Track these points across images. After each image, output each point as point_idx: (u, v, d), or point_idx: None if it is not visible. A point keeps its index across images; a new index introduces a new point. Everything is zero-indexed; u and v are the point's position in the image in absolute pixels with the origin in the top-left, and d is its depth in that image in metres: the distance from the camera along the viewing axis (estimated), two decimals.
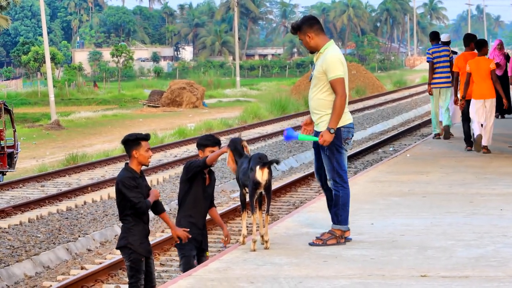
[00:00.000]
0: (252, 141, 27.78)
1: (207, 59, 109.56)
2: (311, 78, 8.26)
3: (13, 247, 13.49)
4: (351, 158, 21.61)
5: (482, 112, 15.20)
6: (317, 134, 8.17)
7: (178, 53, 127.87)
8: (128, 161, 7.91)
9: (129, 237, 7.83)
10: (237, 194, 17.31)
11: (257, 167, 7.72)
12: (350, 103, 44.68)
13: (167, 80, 74.57)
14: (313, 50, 8.20)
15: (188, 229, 8.04)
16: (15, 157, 24.17)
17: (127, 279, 8.09)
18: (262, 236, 8.02)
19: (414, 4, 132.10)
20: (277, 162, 7.94)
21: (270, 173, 7.79)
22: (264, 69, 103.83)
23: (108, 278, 11.32)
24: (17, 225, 15.09)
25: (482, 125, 15.24)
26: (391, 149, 23.29)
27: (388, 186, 11.98)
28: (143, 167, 7.95)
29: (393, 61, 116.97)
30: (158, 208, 7.99)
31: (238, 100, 55.03)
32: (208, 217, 8.37)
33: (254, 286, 6.87)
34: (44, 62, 52.08)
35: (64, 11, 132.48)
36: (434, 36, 18.00)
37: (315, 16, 8.47)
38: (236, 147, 8.07)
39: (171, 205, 16.46)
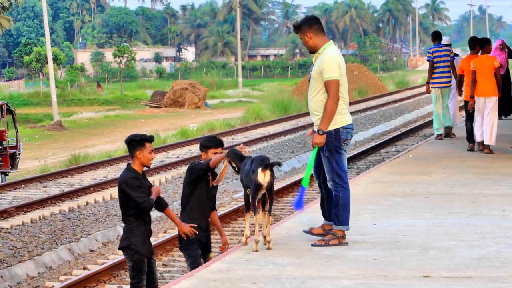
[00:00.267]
0: (254, 141, 27.78)
1: (209, 60, 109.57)
2: (309, 79, 8.27)
3: (16, 247, 13.50)
4: (353, 158, 21.61)
5: (484, 109, 15.27)
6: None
7: (180, 53, 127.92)
8: (130, 162, 7.92)
9: (132, 238, 7.83)
10: (240, 194, 17.32)
11: (259, 169, 7.73)
12: (352, 103, 44.67)
13: (169, 81, 74.64)
14: (313, 51, 8.20)
15: (196, 225, 8.04)
16: (18, 157, 24.20)
17: (129, 280, 8.09)
18: (264, 237, 8.02)
19: (416, 4, 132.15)
20: (279, 164, 7.94)
21: (272, 175, 7.80)
22: (266, 70, 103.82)
23: (111, 279, 11.32)
24: (19, 225, 15.10)
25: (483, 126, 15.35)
26: (393, 149, 23.28)
27: (391, 187, 11.98)
28: (144, 169, 7.95)
29: (395, 62, 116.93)
30: (160, 204, 7.99)
31: (240, 101, 55.05)
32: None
33: (257, 286, 6.87)
34: (46, 63, 52.10)
35: (66, 11, 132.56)
36: (436, 36, 18.01)
37: (316, 17, 8.46)
38: (236, 153, 8.07)
39: (173, 206, 16.45)
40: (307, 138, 27.54)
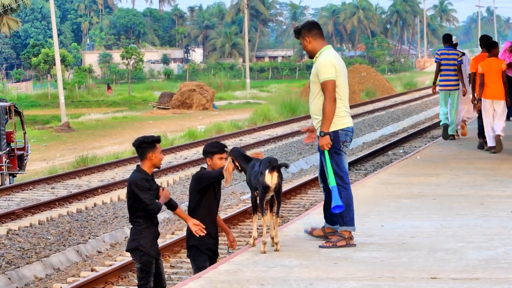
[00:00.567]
0: (262, 143, 27.78)
1: (217, 61, 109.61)
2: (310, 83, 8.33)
3: (24, 249, 13.51)
4: (361, 160, 21.60)
5: (490, 110, 15.31)
6: (318, 137, 8.23)
7: (188, 55, 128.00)
8: (139, 163, 7.91)
9: (140, 239, 7.84)
10: (247, 196, 17.32)
11: (267, 171, 7.73)
12: (360, 105, 44.66)
13: (177, 82, 74.66)
14: (312, 55, 8.26)
15: (204, 227, 8.02)
16: (25, 159, 24.25)
17: (137, 281, 8.10)
18: (272, 238, 8.02)
19: (424, 6, 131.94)
20: (286, 166, 7.94)
21: (280, 176, 7.79)
22: (274, 71, 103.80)
23: (118, 280, 11.33)
24: (27, 227, 15.12)
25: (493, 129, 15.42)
26: (401, 151, 23.26)
27: (398, 188, 11.97)
28: (154, 170, 7.97)
29: (403, 63, 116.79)
30: (171, 205, 8.00)
31: (248, 102, 55.06)
32: None
33: None
34: (54, 64, 52.22)
35: (74, 13, 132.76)
36: (447, 39, 18.09)
37: (316, 22, 8.49)
38: (241, 153, 8.07)
39: (181, 207, 16.44)
40: (315, 140, 27.51)
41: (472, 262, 7.54)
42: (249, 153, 8.27)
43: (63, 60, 66.65)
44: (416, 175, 13.31)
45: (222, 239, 13.22)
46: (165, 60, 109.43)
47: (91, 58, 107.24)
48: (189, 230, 8.17)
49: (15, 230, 14.85)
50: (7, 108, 23.77)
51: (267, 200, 7.86)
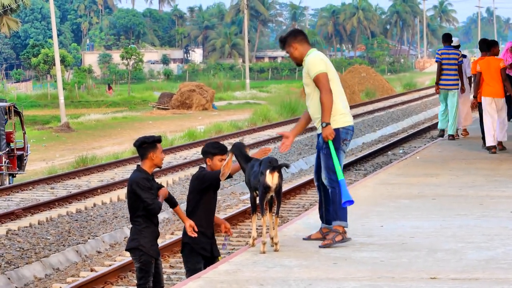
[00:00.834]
0: (261, 143, 27.78)
1: (217, 62, 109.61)
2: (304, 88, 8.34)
3: (23, 249, 13.51)
4: (361, 160, 21.60)
5: (492, 109, 15.38)
6: (318, 135, 8.25)
7: (188, 55, 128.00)
8: (139, 163, 7.91)
9: (141, 239, 7.85)
10: (247, 196, 17.31)
11: (267, 171, 7.73)
12: (359, 105, 44.67)
13: (177, 83, 74.65)
14: (299, 62, 8.28)
15: (197, 231, 8.03)
16: (25, 159, 24.24)
17: (136, 281, 8.10)
18: (272, 238, 8.02)
19: (424, 6, 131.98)
20: (287, 166, 7.94)
21: (280, 176, 7.80)
22: (274, 72, 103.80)
23: (118, 280, 11.33)
24: (26, 227, 15.11)
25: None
26: (401, 151, 23.26)
27: (398, 189, 11.97)
28: (155, 169, 7.98)
29: (402, 64, 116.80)
30: (171, 201, 8.02)
31: (247, 103, 55.06)
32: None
33: None
34: (54, 65, 52.22)
35: (74, 13, 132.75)
36: (447, 38, 18.12)
37: (300, 29, 8.60)
38: (242, 151, 8.07)
39: (180, 207, 16.44)
40: (314, 140, 27.52)
41: (472, 263, 7.53)
42: (254, 151, 8.24)
43: (62, 61, 66.65)
44: (415, 175, 13.30)
45: (221, 239, 13.23)
46: (165, 60, 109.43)
47: (90, 59, 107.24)
48: (185, 231, 8.17)
49: (14, 230, 14.85)
50: (7, 108, 23.77)
51: (266, 201, 7.86)
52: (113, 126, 40.27)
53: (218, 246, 8.43)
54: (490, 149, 15.65)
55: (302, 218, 9.83)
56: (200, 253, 8.11)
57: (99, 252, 13.53)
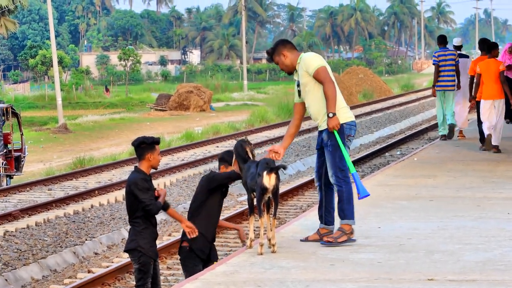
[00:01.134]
0: (259, 144, 27.77)
1: (215, 63, 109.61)
2: (299, 94, 8.27)
3: (20, 250, 13.50)
4: (359, 161, 21.60)
5: (492, 112, 15.44)
6: (320, 133, 8.25)
7: (186, 56, 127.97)
8: (136, 164, 7.92)
9: (139, 240, 7.85)
10: (244, 197, 17.31)
11: (265, 173, 7.73)
12: (357, 106, 44.67)
13: (175, 84, 74.66)
14: (290, 70, 8.27)
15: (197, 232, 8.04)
16: (23, 160, 24.23)
17: (134, 283, 8.10)
18: (269, 240, 8.02)
19: (421, 7, 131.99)
20: (284, 168, 7.96)
21: (277, 178, 7.80)
22: (272, 73, 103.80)
23: (115, 282, 11.32)
24: (24, 228, 15.10)
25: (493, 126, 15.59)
26: (398, 153, 23.26)
27: (396, 190, 11.97)
28: (152, 171, 7.99)
29: (400, 65, 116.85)
30: (164, 204, 8.02)
31: (245, 104, 55.06)
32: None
33: None
34: (52, 66, 52.18)
35: (72, 14, 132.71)
36: (442, 40, 18.13)
37: (286, 39, 8.62)
38: (239, 153, 8.07)
39: (178, 209, 16.46)
40: (312, 141, 27.52)
41: (469, 264, 7.53)
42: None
43: (60, 62, 66.55)
44: (413, 176, 13.30)
45: (219, 241, 13.21)
46: (163, 61, 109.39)
47: (88, 60, 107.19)
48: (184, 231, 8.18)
49: (12, 231, 14.84)
50: (4, 109, 23.75)
51: (264, 202, 7.87)
52: (110, 127, 40.25)
53: (218, 252, 8.48)
54: (493, 147, 15.71)
55: (300, 220, 9.83)
56: (197, 254, 8.12)
57: (96, 253, 13.52)
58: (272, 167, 7.75)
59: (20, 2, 51.19)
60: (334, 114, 8.04)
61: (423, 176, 13.25)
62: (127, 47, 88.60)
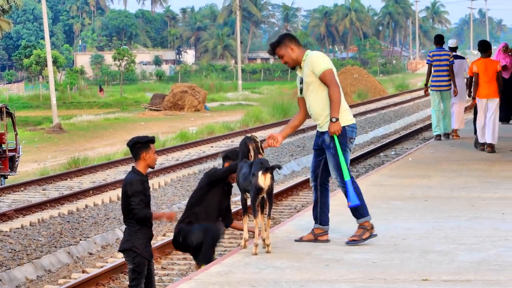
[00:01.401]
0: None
1: (209, 63, 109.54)
2: (301, 91, 8.26)
3: (15, 250, 13.47)
4: (353, 161, 21.57)
5: (484, 110, 15.58)
6: (321, 134, 8.23)
7: (180, 56, 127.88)
8: (133, 165, 7.91)
9: (135, 240, 7.82)
10: (238, 197, 17.29)
11: (259, 173, 7.72)
12: (352, 106, 44.62)
13: (169, 84, 74.60)
14: (294, 65, 8.24)
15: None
16: (17, 160, 24.18)
17: (128, 283, 8.08)
18: (263, 240, 8.01)
19: (416, 7, 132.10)
20: (279, 167, 7.96)
21: (272, 178, 7.80)
22: (266, 73, 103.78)
23: (110, 282, 11.29)
24: (18, 228, 15.07)
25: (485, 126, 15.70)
26: (393, 153, 23.25)
27: (390, 190, 11.96)
28: (148, 170, 7.98)
29: (395, 65, 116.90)
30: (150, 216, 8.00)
31: (240, 104, 55.03)
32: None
33: None
34: (46, 66, 52.07)
35: (66, 14, 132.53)
36: (439, 40, 18.16)
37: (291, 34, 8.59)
38: (241, 150, 8.07)
39: (172, 209, 16.43)
40: (307, 142, 27.51)
41: (464, 264, 7.52)
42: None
43: (55, 62, 66.50)
44: (408, 177, 13.29)
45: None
46: (157, 61, 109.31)
47: (83, 60, 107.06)
48: (180, 224, 8.24)
49: (6, 231, 14.80)
50: None
51: (258, 202, 7.86)
52: (105, 127, 40.19)
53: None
54: (480, 145, 15.83)
55: (294, 220, 9.81)
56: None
57: (90, 253, 13.49)
58: (267, 167, 7.75)
59: (14, 2, 51.10)
60: (337, 119, 8.03)
61: (417, 176, 13.25)
62: (121, 47, 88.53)
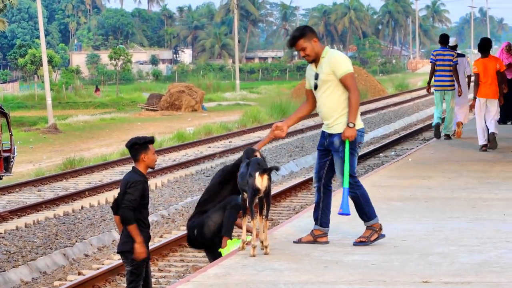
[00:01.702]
0: (251, 145, 27.67)
1: (207, 62, 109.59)
2: (315, 87, 8.14)
3: (9, 252, 13.40)
4: None
5: (483, 109, 15.65)
6: (329, 136, 8.14)
7: (177, 56, 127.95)
8: (133, 165, 7.83)
9: (133, 242, 7.74)
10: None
11: (257, 174, 7.65)
12: None
13: (166, 84, 74.55)
14: (313, 58, 8.12)
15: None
16: (12, 161, 24.02)
17: (124, 285, 8.01)
18: (261, 242, 7.93)
19: (416, 6, 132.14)
20: (277, 169, 7.91)
21: (269, 179, 7.73)
22: (264, 72, 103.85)
23: (106, 284, 11.22)
24: (13, 230, 14.99)
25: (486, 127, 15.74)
26: (392, 153, 23.20)
27: (390, 191, 11.89)
28: (149, 170, 7.91)
29: (394, 64, 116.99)
30: (131, 220, 7.82)
31: (237, 104, 54.99)
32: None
33: None
34: (41, 65, 52.05)
35: (62, 13, 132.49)
36: (443, 40, 18.20)
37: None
38: (248, 157, 8.08)
39: (169, 210, 16.36)
40: (305, 142, 27.45)
41: (464, 266, 7.47)
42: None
43: (50, 61, 66.45)
44: (408, 177, 13.23)
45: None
46: (154, 61, 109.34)
47: (78, 59, 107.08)
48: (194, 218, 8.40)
49: (1, 233, 14.77)
50: None
51: (256, 203, 7.79)
52: (101, 127, 40.09)
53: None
54: (482, 147, 15.85)
55: (293, 221, 9.76)
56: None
57: (86, 255, 13.41)
58: (265, 168, 7.67)
59: (9, 0, 51.03)
60: (354, 125, 7.99)
61: (417, 177, 13.19)
62: (117, 46, 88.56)
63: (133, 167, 7.84)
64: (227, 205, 8.52)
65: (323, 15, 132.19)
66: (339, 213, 8.12)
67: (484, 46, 16.09)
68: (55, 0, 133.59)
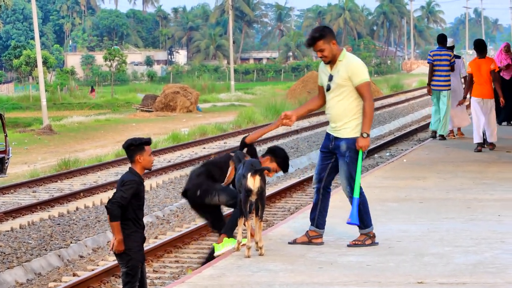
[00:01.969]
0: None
1: (201, 63, 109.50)
2: (328, 88, 8.11)
3: (4, 253, 13.37)
4: None
5: (480, 109, 15.66)
6: (335, 139, 8.14)
7: (172, 57, 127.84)
8: (130, 166, 7.82)
9: (129, 243, 7.73)
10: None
11: (249, 174, 7.65)
12: None
13: (161, 84, 74.51)
14: (331, 60, 8.10)
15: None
16: (6, 162, 23.98)
17: (120, 286, 7.99)
18: (256, 243, 7.92)
19: (411, 7, 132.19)
20: (269, 170, 7.89)
21: (262, 180, 7.72)
22: (259, 73, 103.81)
23: (101, 285, 11.20)
24: (8, 231, 14.96)
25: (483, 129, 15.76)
26: (387, 154, 23.19)
27: (385, 192, 11.89)
28: (145, 171, 7.90)
29: (389, 65, 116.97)
30: (116, 217, 7.79)
31: (232, 105, 54.95)
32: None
33: None
34: (36, 66, 51.94)
35: (57, 14, 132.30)
36: (441, 40, 18.23)
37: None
38: (241, 161, 8.05)
39: (164, 211, 16.33)
40: (300, 143, 27.43)
41: (459, 267, 7.47)
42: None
43: (45, 62, 66.24)
44: (403, 178, 13.23)
45: (206, 244, 13.04)
46: (149, 62, 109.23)
47: (73, 60, 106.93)
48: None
49: None
50: None
51: (250, 204, 7.79)
52: (96, 128, 40.05)
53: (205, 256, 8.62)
54: (477, 146, 15.86)
55: (288, 222, 9.76)
56: None
57: (81, 256, 13.38)
58: (257, 169, 7.66)
59: (4, 1, 50.96)
60: (368, 135, 8.04)
61: (412, 178, 13.18)
62: (112, 47, 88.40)
63: (129, 167, 7.83)
64: (239, 199, 8.43)
65: (318, 16, 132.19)
66: (348, 223, 8.14)
67: (481, 46, 16.13)
68: (50, 1, 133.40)
